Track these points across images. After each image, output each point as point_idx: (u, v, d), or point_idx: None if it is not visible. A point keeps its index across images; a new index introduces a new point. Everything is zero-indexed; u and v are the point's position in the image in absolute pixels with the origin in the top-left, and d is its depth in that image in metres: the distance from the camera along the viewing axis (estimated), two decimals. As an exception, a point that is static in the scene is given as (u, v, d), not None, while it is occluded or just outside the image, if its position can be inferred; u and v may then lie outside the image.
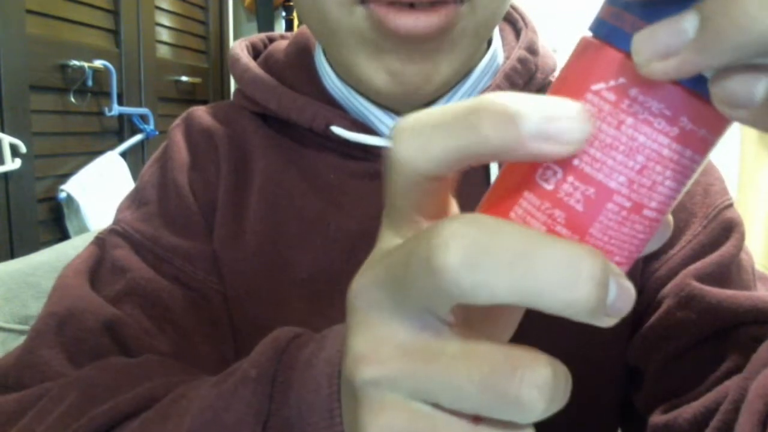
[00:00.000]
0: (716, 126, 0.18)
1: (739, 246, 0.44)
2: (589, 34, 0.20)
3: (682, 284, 0.41)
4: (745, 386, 0.32)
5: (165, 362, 0.39)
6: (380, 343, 0.19)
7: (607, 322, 0.17)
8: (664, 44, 0.16)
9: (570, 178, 0.18)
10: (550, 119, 0.17)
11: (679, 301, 0.41)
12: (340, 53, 0.42)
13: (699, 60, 0.16)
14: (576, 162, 0.18)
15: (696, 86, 0.17)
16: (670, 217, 0.23)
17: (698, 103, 0.18)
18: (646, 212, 0.19)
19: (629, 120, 0.18)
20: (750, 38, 0.15)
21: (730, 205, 0.45)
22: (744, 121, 0.17)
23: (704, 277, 0.41)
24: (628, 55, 0.17)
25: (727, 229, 0.44)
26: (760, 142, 1.94)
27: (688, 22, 0.16)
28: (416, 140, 0.19)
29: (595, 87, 0.18)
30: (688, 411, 0.37)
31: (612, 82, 0.18)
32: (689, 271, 0.42)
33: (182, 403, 0.31)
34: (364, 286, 0.20)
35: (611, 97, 0.18)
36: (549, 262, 0.16)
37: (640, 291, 0.44)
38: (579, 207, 0.18)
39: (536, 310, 0.17)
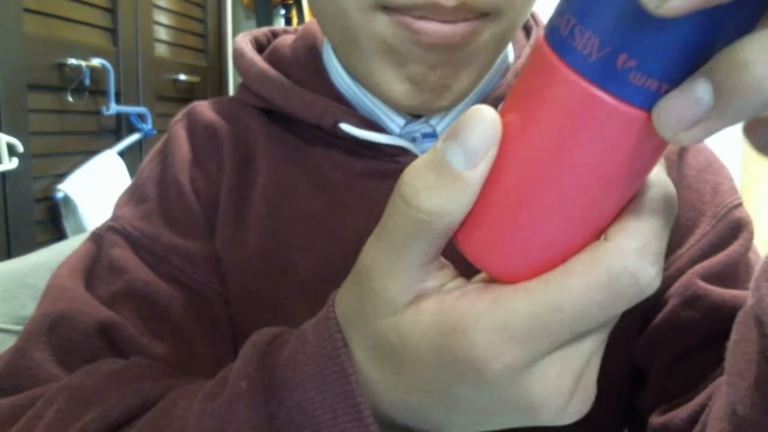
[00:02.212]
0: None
1: (747, 245, 0.43)
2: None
3: (688, 284, 0.41)
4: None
5: (153, 365, 0.38)
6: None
7: None
8: (686, 117, 0.17)
9: None
10: None
11: (684, 300, 0.40)
12: (359, 60, 0.41)
13: (722, 123, 0.17)
14: None
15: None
16: None
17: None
18: None
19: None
20: (764, 96, 0.16)
21: (739, 205, 0.45)
22: None
23: (710, 277, 0.41)
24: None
25: (736, 229, 0.43)
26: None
27: (702, 91, 0.17)
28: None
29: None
30: (684, 411, 0.37)
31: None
32: (695, 271, 0.41)
33: (175, 413, 0.30)
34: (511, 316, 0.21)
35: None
36: None
37: None
38: None
39: None
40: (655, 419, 0.40)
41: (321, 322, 0.26)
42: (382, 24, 0.37)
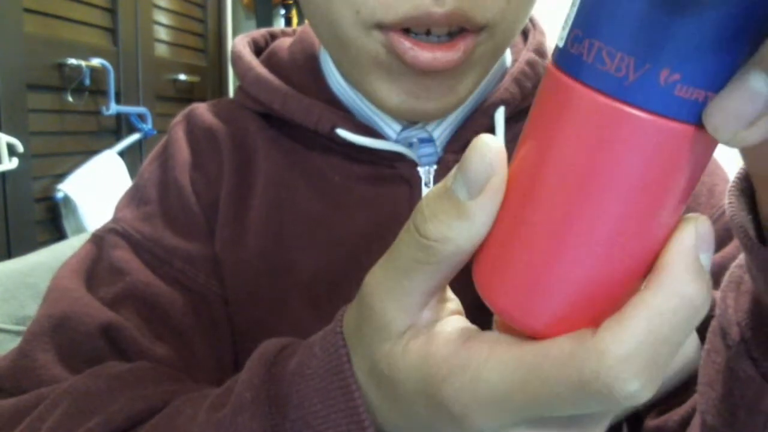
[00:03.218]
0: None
1: None
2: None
3: None
4: None
5: (158, 368, 0.38)
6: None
7: None
8: (743, 113, 0.16)
9: None
10: None
11: None
12: (354, 70, 0.41)
13: None
14: None
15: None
16: None
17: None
18: None
19: None
20: None
21: None
22: None
23: None
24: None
25: (730, 230, 0.43)
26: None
27: (756, 82, 0.15)
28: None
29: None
30: (678, 413, 0.37)
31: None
32: None
33: (180, 421, 0.30)
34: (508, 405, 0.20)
35: None
36: None
37: None
38: None
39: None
40: (650, 422, 0.40)
41: (328, 336, 0.26)
42: (376, 43, 0.37)
